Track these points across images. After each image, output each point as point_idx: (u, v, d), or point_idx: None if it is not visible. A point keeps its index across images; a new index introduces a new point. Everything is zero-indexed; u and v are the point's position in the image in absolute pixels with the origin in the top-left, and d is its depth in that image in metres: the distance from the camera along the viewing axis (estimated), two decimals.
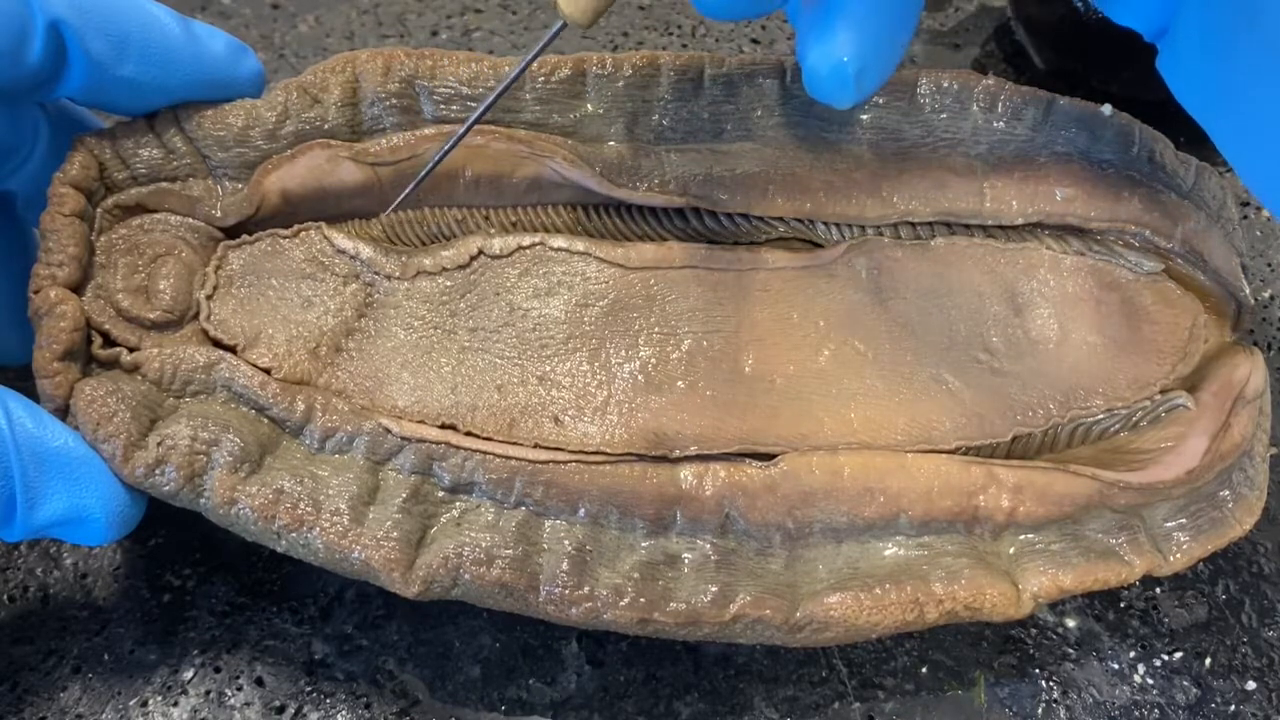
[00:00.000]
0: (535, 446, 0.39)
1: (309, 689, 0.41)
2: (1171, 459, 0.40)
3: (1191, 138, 0.44)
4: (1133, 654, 0.42)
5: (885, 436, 0.40)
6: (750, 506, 0.38)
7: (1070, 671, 0.42)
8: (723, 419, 0.40)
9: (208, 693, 0.41)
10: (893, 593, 0.37)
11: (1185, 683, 0.42)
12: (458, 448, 0.38)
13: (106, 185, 0.40)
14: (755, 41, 0.60)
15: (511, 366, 0.40)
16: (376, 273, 0.41)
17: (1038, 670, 0.42)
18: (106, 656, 0.41)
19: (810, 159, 0.41)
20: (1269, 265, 0.52)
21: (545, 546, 0.37)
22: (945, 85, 0.41)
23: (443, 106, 0.41)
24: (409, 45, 0.58)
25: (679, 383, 0.40)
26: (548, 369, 0.40)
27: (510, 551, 0.37)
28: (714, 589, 0.37)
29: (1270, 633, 0.43)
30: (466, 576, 0.37)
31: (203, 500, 0.37)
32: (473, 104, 0.41)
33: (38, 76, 0.36)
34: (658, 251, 0.41)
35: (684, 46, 0.59)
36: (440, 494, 0.38)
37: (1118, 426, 0.42)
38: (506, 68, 0.40)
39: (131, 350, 0.38)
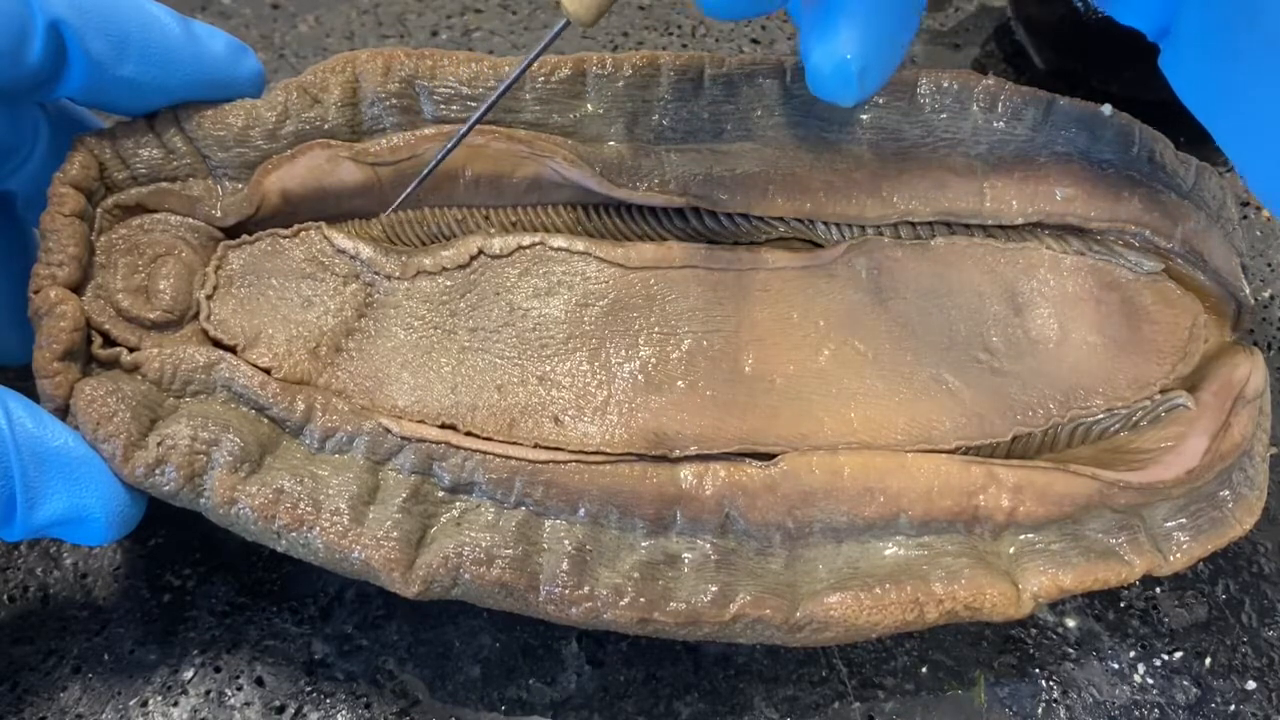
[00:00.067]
0: (535, 446, 0.39)
1: (309, 689, 0.41)
2: (1171, 459, 0.40)
3: (1191, 138, 0.44)
4: (1133, 654, 0.42)
5: (885, 436, 0.40)
6: (750, 506, 0.38)
7: (1070, 671, 0.42)
8: (723, 419, 0.40)
9: (208, 693, 0.41)
10: (893, 593, 0.37)
11: (1185, 683, 0.42)
12: (458, 448, 0.38)
13: (106, 185, 0.40)
14: (755, 41, 0.60)
15: (511, 366, 0.40)
16: (376, 273, 0.41)
17: (1038, 670, 0.42)
18: (106, 656, 0.41)
19: (810, 159, 0.41)
20: (1269, 265, 0.52)
21: (545, 546, 0.37)
22: (945, 85, 0.41)
23: (443, 106, 0.41)
24: (409, 45, 0.58)
25: (679, 382, 0.40)
26: (548, 369, 0.40)
27: (510, 551, 0.37)
28: (714, 589, 0.37)
29: (1270, 633, 0.43)
30: (466, 576, 0.37)
31: (203, 500, 0.37)
32: (473, 104, 0.41)
33: (38, 76, 0.36)
34: (658, 251, 0.41)
35: (684, 46, 0.59)
36: (440, 494, 0.38)
37: (1118, 426, 0.42)
38: (506, 67, 0.40)
39: (131, 350, 0.38)
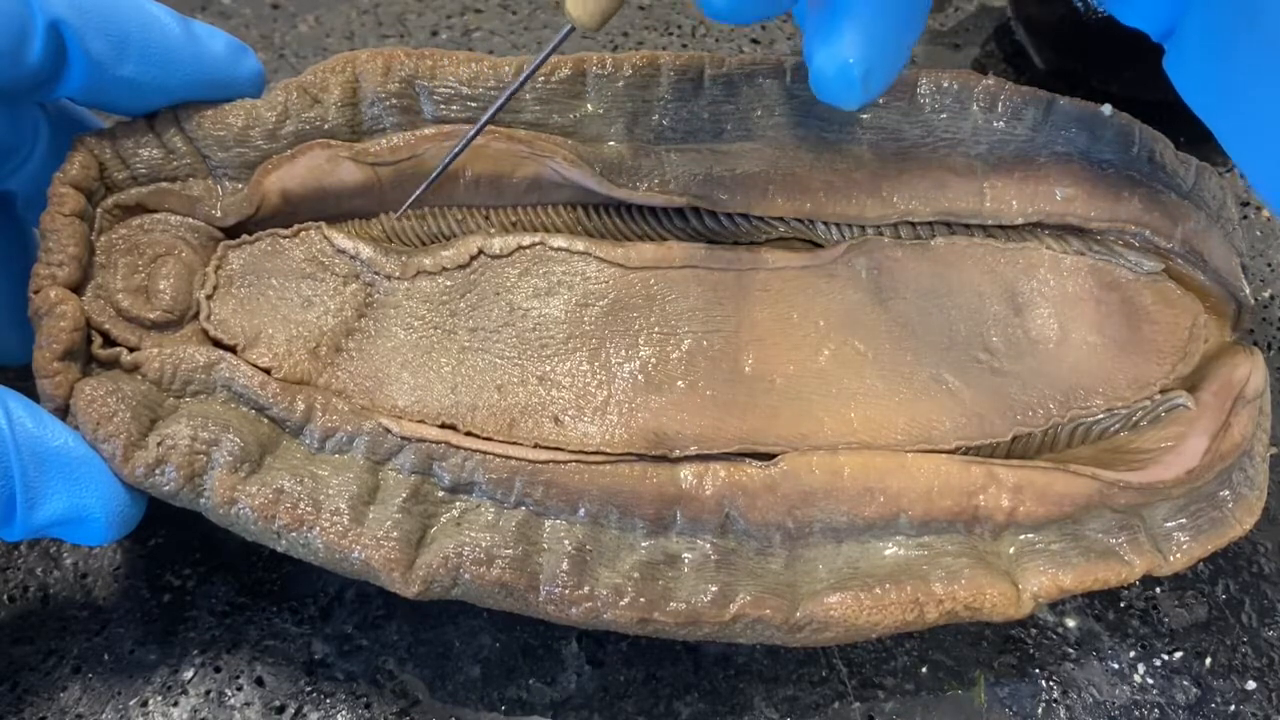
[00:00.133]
0: (535, 446, 0.39)
1: (309, 689, 0.41)
2: (1171, 459, 0.40)
3: (1191, 138, 0.44)
4: (1133, 654, 0.42)
5: (885, 436, 0.40)
6: (750, 506, 0.38)
7: (1070, 671, 0.42)
8: (723, 419, 0.40)
9: (208, 693, 0.41)
10: (893, 593, 0.37)
11: (1185, 683, 0.42)
12: (458, 447, 0.38)
13: (106, 185, 0.40)
14: (755, 41, 0.60)
15: (511, 366, 0.40)
16: (376, 273, 0.41)
17: (1038, 670, 0.42)
18: (106, 656, 0.41)
19: (810, 159, 0.41)
20: (1269, 265, 0.52)
21: (545, 546, 0.37)
22: (945, 85, 0.41)
23: (443, 106, 0.41)
24: (409, 45, 0.58)
25: (679, 382, 0.40)
26: (548, 369, 0.40)
27: (510, 551, 0.37)
28: (714, 589, 0.37)
29: (1270, 633, 0.43)
30: (466, 576, 0.37)
31: (203, 500, 0.37)
32: (473, 104, 0.41)
33: (38, 76, 0.36)
34: (658, 251, 0.41)
35: (684, 46, 0.59)
36: (440, 494, 0.38)
37: (1118, 426, 0.42)
38: (506, 68, 0.40)
39: (131, 350, 0.38)
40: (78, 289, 0.38)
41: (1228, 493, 0.40)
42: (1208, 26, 0.34)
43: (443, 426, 0.39)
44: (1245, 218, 0.54)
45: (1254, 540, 0.45)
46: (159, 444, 0.37)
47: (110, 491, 0.36)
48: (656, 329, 0.41)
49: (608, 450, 0.39)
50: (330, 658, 0.42)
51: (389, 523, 0.37)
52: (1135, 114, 0.42)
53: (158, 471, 0.36)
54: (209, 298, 0.40)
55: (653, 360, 0.40)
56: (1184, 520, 0.40)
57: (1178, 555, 0.39)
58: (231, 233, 0.41)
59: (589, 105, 0.41)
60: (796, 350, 0.41)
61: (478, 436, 0.39)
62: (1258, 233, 0.53)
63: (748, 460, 0.39)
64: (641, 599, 0.37)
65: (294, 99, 0.40)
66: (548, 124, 0.41)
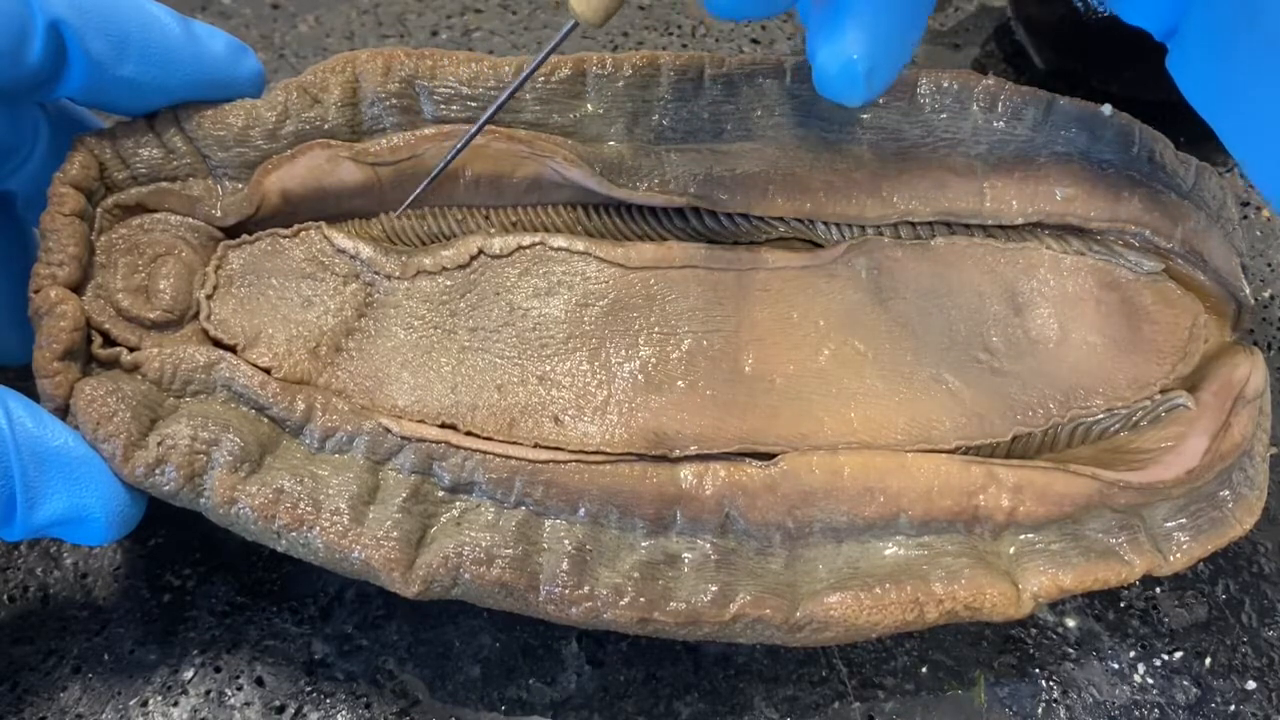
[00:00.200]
0: (535, 446, 0.39)
1: (309, 689, 0.41)
2: (1171, 459, 0.40)
3: (1191, 138, 0.44)
4: (1133, 654, 0.42)
5: (885, 436, 0.40)
6: (750, 506, 0.38)
7: (1070, 671, 0.42)
8: (723, 419, 0.40)
9: (208, 693, 0.41)
10: (893, 592, 0.37)
11: (1185, 683, 0.42)
12: (458, 447, 0.38)
13: (106, 185, 0.40)
14: (755, 41, 0.60)
15: (511, 366, 0.40)
16: (376, 272, 0.41)
17: (1038, 670, 0.42)
18: (106, 656, 0.41)
19: (810, 159, 0.41)
20: (1269, 265, 0.52)
21: (545, 546, 0.37)
22: (945, 85, 0.41)
23: (443, 106, 0.41)
24: (409, 45, 0.58)
25: (679, 382, 0.40)
26: (548, 369, 0.40)
27: (510, 551, 0.37)
28: (714, 589, 0.37)
29: (1270, 633, 0.43)
30: (466, 576, 0.37)
31: (203, 500, 0.37)
32: (473, 104, 0.41)
33: (38, 76, 0.36)
34: (658, 251, 0.41)
35: (684, 46, 0.59)
36: (440, 494, 0.38)
37: (1118, 426, 0.42)
38: (506, 68, 0.40)
39: (131, 350, 0.38)
40: (78, 289, 0.38)
41: (1228, 493, 0.40)
42: (1210, 25, 0.34)
43: (443, 426, 0.39)
44: (1245, 218, 0.54)
45: (1254, 540, 0.45)
46: (159, 444, 0.37)
47: (110, 491, 0.36)
48: (656, 329, 0.41)
49: (608, 450, 0.39)
50: (330, 658, 0.42)
51: (389, 522, 0.37)
52: (1135, 114, 0.42)
53: (158, 471, 0.36)
54: (209, 297, 0.40)
55: (653, 360, 0.40)
56: (1184, 520, 0.40)
57: (1178, 555, 0.39)
58: (231, 233, 0.41)
59: (589, 105, 0.41)
60: (796, 350, 0.41)
61: (478, 436, 0.39)
62: (1258, 233, 0.53)
63: (748, 460, 0.39)
64: (641, 599, 0.37)
65: (294, 99, 0.40)
66: (548, 124, 0.41)
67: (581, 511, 0.38)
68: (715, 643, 0.42)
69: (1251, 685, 0.42)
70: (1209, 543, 0.40)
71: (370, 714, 0.41)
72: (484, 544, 0.37)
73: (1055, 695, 0.42)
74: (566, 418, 0.39)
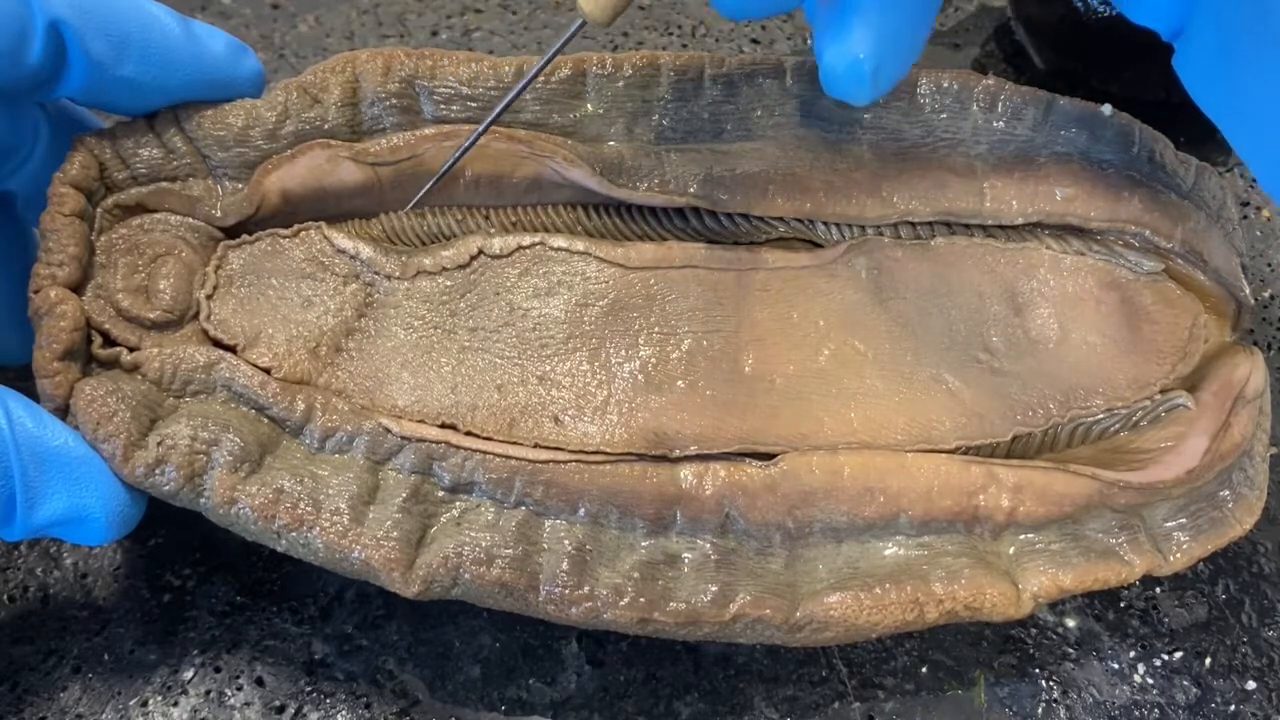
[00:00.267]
0: (535, 446, 0.39)
1: (309, 689, 0.41)
2: (1171, 459, 0.40)
3: (1191, 138, 0.44)
4: (1133, 654, 0.42)
5: (885, 436, 0.40)
6: (750, 506, 0.38)
7: (1070, 671, 0.42)
8: (723, 419, 0.40)
9: (208, 693, 0.41)
10: (893, 592, 0.37)
11: (1185, 683, 0.42)
12: (458, 447, 0.38)
13: (106, 185, 0.40)
14: (755, 41, 0.60)
15: (511, 366, 0.40)
16: (376, 272, 0.41)
17: (1038, 670, 0.42)
18: (106, 656, 0.41)
19: (810, 159, 0.41)
20: (1269, 265, 0.52)
21: (545, 546, 0.37)
22: (945, 85, 0.41)
23: (443, 106, 0.41)
24: (409, 45, 0.58)
25: (679, 382, 0.40)
26: (548, 369, 0.40)
27: (510, 551, 0.37)
28: (714, 589, 0.37)
29: (1270, 633, 0.43)
30: (466, 576, 0.37)
31: (203, 500, 0.37)
32: (473, 104, 0.41)
33: (38, 76, 0.36)
34: (658, 251, 0.41)
35: (684, 46, 0.59)
36: (440, 494, 0.38)
37: (1118, 426, 0.42)
38: (506, 68, 0.41)
39: (131, 350, 0.38)
40: (78, 289, 0.38)
41: (1228, 493, 0.40)
42: (1217, 26, 0.34)
43: (443, 426, 0.39)
44: (1245, 218, 0.54)
45: (1254, 540, 0.45)
46: (159, 444, 0.37)
47: (110, 491, 0.36)
48: (656, 329, 0.41)
49: (608, 450, 0.39)
50: (330, 658, 0.42)
51: (389, 523, 0.37)
52: (1135, 114, 0.42)
53: (158, 471, 0.36)
54: (209, 297, 0.40)
55: (653, 360, 0.40)
56: (1184, 520, 0.40)
57: (1178, 555, 0.39)
58: (231, 233, 0.41)
59: (589, 105, 0.41)
60: (796, 350, 0.41)
61: (478, 436, 0.39)
62: (1258, 233, 0.53)
63: (748, 460, 0.39)
64: (641, 599, 0.37)
65: (294, 99, 0.40)
66: (548, 124, 0.41)
67: (581, 511, 0.38)
68: (715, 643, 0.42)
69: (1251, 685, 0.42)
70: (1209, 543, 0.40)
71: (370, 714, 0.41)
72: (484, 544, 0.37)
73: (1055, 695, 0.42)
74: (566, 418, 0.39)
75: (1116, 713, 0.41)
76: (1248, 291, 0.42)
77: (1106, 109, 0.42)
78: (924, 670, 0.42)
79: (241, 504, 0.37)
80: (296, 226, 0.41)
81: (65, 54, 0.37)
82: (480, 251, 0.41)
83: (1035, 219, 0.42)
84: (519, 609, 0.37)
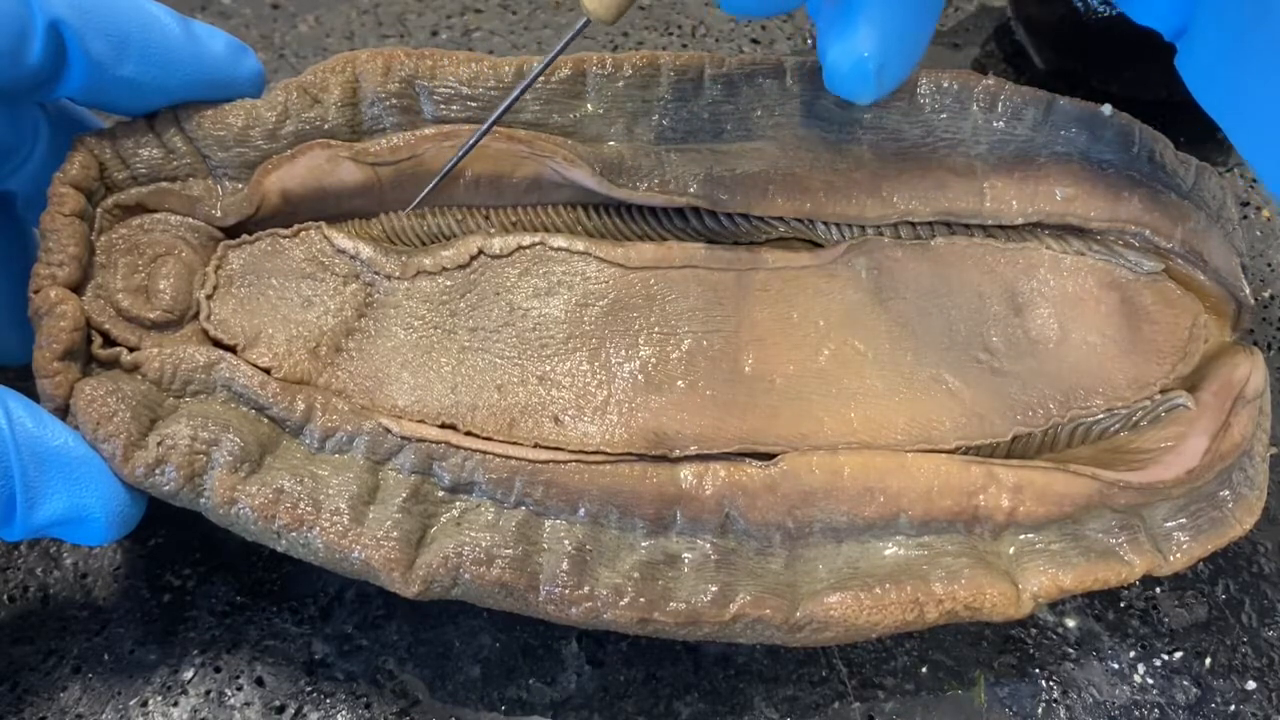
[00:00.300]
0: (535, 446, 0.39)
1: (309, 689, 0.41)
2: (1171, 459, 0.40)
3: (1191, 138, 0.44)
4: (1133, 654, 0.42)
5: (885, 436, 0.40)
6: (750, 506, 0.38)
7: (1070, 671, 0.42)
8: (723, 419, 0.40)
9: (208, 693, 0.41)
10: (893, 592, 0.37)
11: (1185, 683, 0.42)
12: (458, 447, 0.38)
13: (106, 185, 0.40)
14: (755, 41, 0.60)
15: (511, 366, 0.40)
16: (376, 272, 0.41)
17: (1038, 670, 0.42)
18: (106, 656, 0.41)
19: (810, 159, 0.41)
20: (1269, 265, 0.52)
21: (545, 546, 0.37)
22: (945, 85, 0.41)
23: (443, 106, 0.41)
24: (409, 45, 0.58)
25: (679, 382, 0.40)
26: (548, 369, 0.40)
27: (510, 551, 0.37)
28: (714, 589, 0.37)
29: (1270, 633, 0.43)
30: (466, 576, 0.37)
31: (203, 500, 0.37)
32: (473, 104, 0.41)
33: (38, 76, 0.36)
34: (658, 251, 0.41)
35: (684, 46, 0.59)
36: (440, 494, 0.38)
37: (1118, 426, 0.42)
38: (506, 68, 0.41)
39: (131, 350, 0.38)
40: (78, 289, 0.38)
41: (1228, 493, 0.40)
42: (1220, 25, 0.34)
43: (443, 426, 0.39)
44: (1245, 218, 0.54)
45: (1254, 540, 0.45)
46: (159, 444, 0.37)
47: (110, 491, 0.36)
48: (656, 329, 0.41)
49: (608, 450, 0.39)
50: (330, 658, 0.42)
51: (389, 523, 0.37)
52: (1135, 114, 0.42)
53: (158, 471, 0.36)
54: (209, 297, 0.40)
55: (653, 360, 0.40)
56: (1184, 520, 0.40)
57: (1178, 555, 0.39)
58: (231, 233, 0.41)
59: (589, 105, 0.41)
60: (796, 350, 0.41)
61: (478, 436, 0.39)
62: (1258, 233, 0.53)
63: (748, 460, 0.39)
64: (641, 599, 0.37)
65: (294, 99, 0.40)
66: (548, 124, 0.41)
67: (581, 511, 0.38)
68: (715, 643, 0.42)
69: (1251, 685, 0.42)
70: (1209, 543, 0.40)
71: (370, 714, 0.41)
72: (484, 544, 0.37)
73: (1055, 695, 0.42)
74: (566, 418, 0.39)
75: (1116, 713, 0.41)
76: (1248, 291, 0.42)
77: (1106, 109, 0.42)
78: (924, 670, 0.42)
79: (241, 504, 0.37)
80: (296, 226, 0.41)
81: (65, 54, 0.37)
82: (480, 251, 0.41)
83: (1035, 219, 0.42)
84: (519, 609, 0.37)
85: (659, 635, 0.38)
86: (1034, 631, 0.43)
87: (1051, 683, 0.42)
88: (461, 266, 0.41)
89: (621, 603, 0.37)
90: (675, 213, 0.42)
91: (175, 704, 0.41)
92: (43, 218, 0.38)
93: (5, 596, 0.43)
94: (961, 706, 0.41)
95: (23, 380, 0.37)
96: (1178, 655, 0.43)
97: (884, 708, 0.41)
